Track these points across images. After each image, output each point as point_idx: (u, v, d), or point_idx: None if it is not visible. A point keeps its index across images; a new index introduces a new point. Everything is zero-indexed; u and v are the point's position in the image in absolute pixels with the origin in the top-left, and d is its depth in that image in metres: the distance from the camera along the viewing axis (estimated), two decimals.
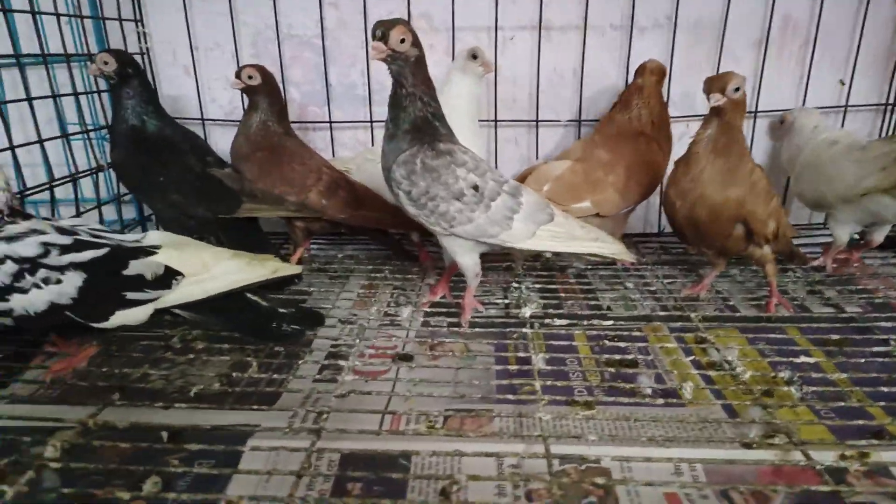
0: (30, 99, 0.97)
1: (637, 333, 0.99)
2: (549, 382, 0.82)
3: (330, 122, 1.46)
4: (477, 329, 1.01)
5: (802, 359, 0.88)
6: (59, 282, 0.75)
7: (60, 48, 1.11)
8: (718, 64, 1.38)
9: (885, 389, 0.80)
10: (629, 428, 0.74)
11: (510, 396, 0.80)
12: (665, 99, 1.28)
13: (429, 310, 1.09)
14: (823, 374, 0.85)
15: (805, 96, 1.42)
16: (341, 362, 0.88)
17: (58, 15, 1.04)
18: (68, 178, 1.06)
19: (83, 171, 1.11)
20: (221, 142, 1.48)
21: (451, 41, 1.38)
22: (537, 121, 1.44)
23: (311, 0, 1.37)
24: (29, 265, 0.75)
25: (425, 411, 0.77)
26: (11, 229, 0.78)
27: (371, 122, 1.46)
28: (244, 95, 1.22)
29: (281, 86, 1.41)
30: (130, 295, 0.77)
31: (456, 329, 1.01)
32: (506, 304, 1.12)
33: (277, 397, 0.81)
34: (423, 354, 0.94)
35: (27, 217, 0.81)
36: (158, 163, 1.12)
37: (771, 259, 1.07)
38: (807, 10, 1.37)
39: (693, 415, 0.77)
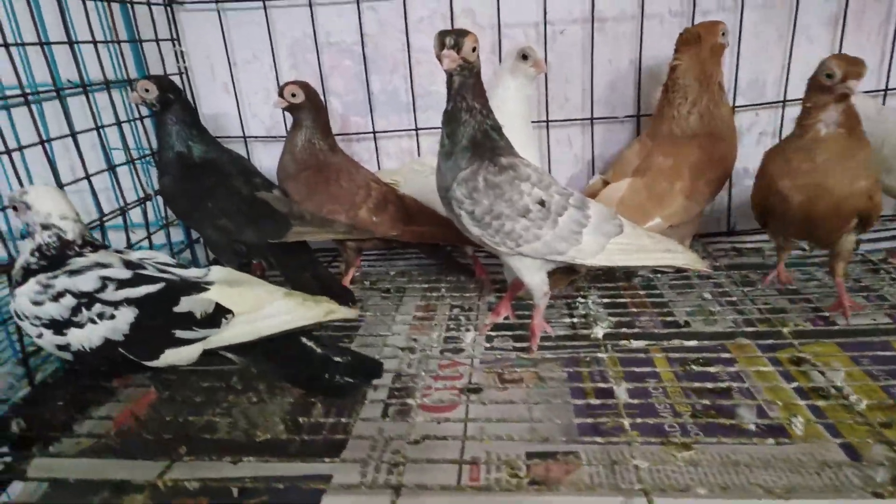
0: (74, 134, 0.94)
1: (725, 355, 0.90)
2: (637, 420, 0.75)
3: (374, 132, 1.41)
4: (546, 353, 0.94)
5: None
6: (112, 317, 0.73)
7: (98, 74, 1.07)
8: (791, 45, 1.27)
9: None
10: (738, 473, 0.67)
11: (598, 439, 0.73)
12: (721, 81, 1.12)
13: (491, 332, 1.03)
14: None
15: (888, 77, 1.29)
16: (408, 400, 0.83)
17: (95, 43, 1.01)
18: (118, 212, 1.03)
19: (131, 203, 1.09)
20: (265, 159, 1.45)
21: (496, 38, 1.31)
22: (592, 118, 1.35)
23: (348, 5, 1.31)
24: (86, 300, 0.73)
25: (506, 458, 0.72)
26: (77, 262, 0.76)
27: (416, 129, 1.39)
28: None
29: (322, 97, 1.37)
30: (179, 333, 0.74)
31: (524, 356, 0.94)
32: (573, 322, 1.05)
33: (344, 444, 0.76)
34: (492, 386, 0.88)
35: (98, 248, 0.80)
36: (205, 189, 1.08)
37: (850, 250, 0.99)
38: None
39: (808, 456, 0.69)
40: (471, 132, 0.84)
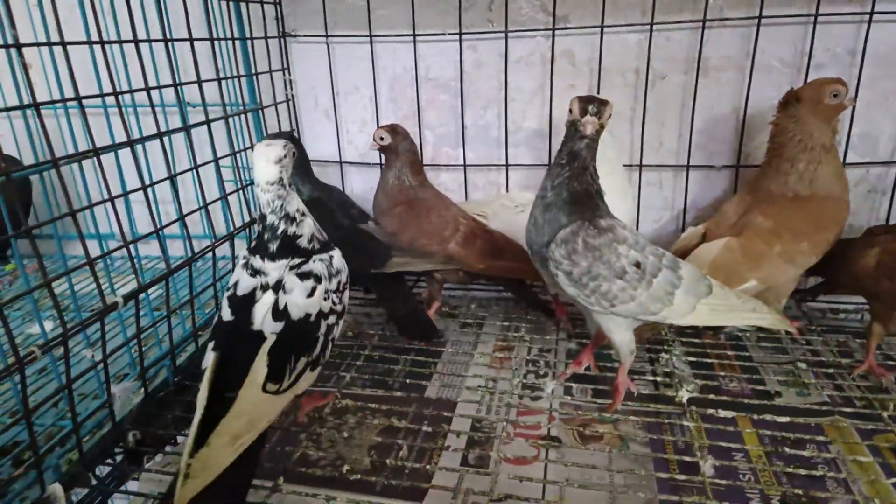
0: (196, 167, 1.02)
1: (820, 437, 0.87)
2: (724, 503, 0.74)
3: (465, 164, 1.44)
4: (630, 413, 0.94)
5: None
6: None
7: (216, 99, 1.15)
8: None
9: None
10: None
11: None
12: (825, 143, 1.07)
13: (569, 382, 1.03)
14: None
15: None
16: (490, 452, 0.85)
17: (219, 80, 1.09)
18: (226, 238, 1.11)
19: (239, 227, 1.16)
20: (357, 182, 1.51)
21: (595, 81, 1.30)
22: (688, 165, 1.32)
23: (450, 44, 1.34)
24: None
25: None
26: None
27: (507, 165, 1.41)
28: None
29: (417, 129, 1.41)
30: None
31: (606, 414, 0.94)
32: (655, 381, 1.04)
33: (425, 493, 0.80)
34: (572, 444, 0.89)
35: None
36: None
37: None
38: None
39: None
40: (577, 189, 0.86)
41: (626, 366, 0.96)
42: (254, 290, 0.80)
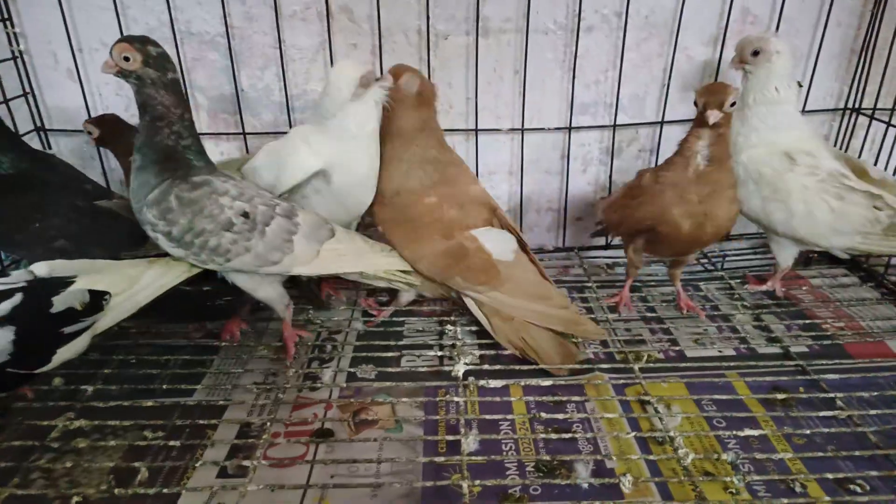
0: None
1: (577, 398, 0.91)
2: (478, 481, 0.75)
3: (244, 133, 1.29)
4: (407, 394, 0.92)
5: (748, 431, 0.83)
6: None
7: None
8: (672, 62, 1.26)
9: (831, 476, 0.75)
10: None
11: None
12: None
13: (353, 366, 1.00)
14: (770, 455, 0.80)
15: None
16: (252, 460, 0.78)
17: None
18: None
19: None
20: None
21: (377, 40, 1.22)
22: (476, 130, 1.31)
23: None
24: None
25: None
26: None
27: None
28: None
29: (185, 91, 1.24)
30: (68, 329, 0.76)
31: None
32: (439, 355, 1.03)
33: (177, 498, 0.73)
34: (344, 432, 0.85)
35: None
36: (26, 207, 0.96)
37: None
38: (768, 3, 1.25)
39: None
40: (163, 147, 0.83)
41: (288, 319, 0.99)
42: None
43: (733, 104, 0.92)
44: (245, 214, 0.85)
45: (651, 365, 0.99)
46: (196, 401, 0.91)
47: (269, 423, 0.85)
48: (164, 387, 0.92)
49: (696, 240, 1.01)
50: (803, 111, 1.30)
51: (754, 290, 1.20)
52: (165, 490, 0.74)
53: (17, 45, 1.20)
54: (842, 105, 1.35)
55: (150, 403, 0.88)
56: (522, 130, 1.31)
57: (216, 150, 1.32)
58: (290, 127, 1.27)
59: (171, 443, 0.81)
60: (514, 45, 1.25)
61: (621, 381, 0.94)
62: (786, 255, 1.15)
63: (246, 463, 0.78)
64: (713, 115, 0.90)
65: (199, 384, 0.95)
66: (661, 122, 1.32)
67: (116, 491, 0.73)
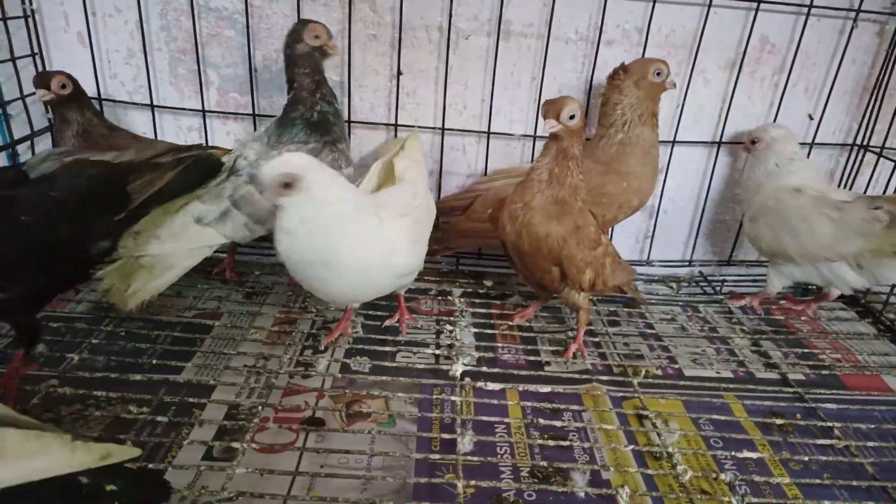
0: None
1: (575, 407, 0.90)
2: (472, 482, 0.73)
3: (254, 114, 1.27)
4: (403, 389, 0.90)
5: (746, 453, 0.82)
6: None
7: None
8: (688, 83, 1.27)
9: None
10: None
11: None
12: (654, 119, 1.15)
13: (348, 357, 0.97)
14: (767, 479, 0.79)
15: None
16: (241, 442, 0.76)
17: None
18: None
19: None
20: (133, 124, 1.28)
21: (397, 33, 1.21)
22: (489, 133, 1.30)
23: None
24: None
25: None
26: None
27: None
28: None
29: (196, 67, 1.22)
30: None
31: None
32: (436, 354, 1.01)
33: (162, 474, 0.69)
34: (335, 423, 0.83)
35: None
36: None
37: (585, 307, 1.01)
38: (787, 34, 1.27)
39: None
40: None
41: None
42: None
43: (572, 117, 0.87)
44: None
45: (649, 380, 0.98)
46: (185, 379, 0.88)
47: (259, 407, 0.82)
48: (154, 362, 0.89)
49: (522, 253, 0.95)
50: (812, 143, 1.32)
51: (736, 305, 1.24)
52: (150, 465, 0.71)
53: (30, 3, 1.17)
54: (850, 141, 1.36)
55: (137, 377, 0.85)
56: (535, 137, 1.30)
57: (223, 130, 1.30)
58: None
59: (158, 418, 0.79)
60: (533, 50, 1.25)
61: (619, 394, 0.93)
62: (776, 283, 1.20)
63: (234, 445, 0.75)
64: (549, 124, 0.87)
65: (188, 362, 0.92)
66: (673, 142, 1.32)
67: None
